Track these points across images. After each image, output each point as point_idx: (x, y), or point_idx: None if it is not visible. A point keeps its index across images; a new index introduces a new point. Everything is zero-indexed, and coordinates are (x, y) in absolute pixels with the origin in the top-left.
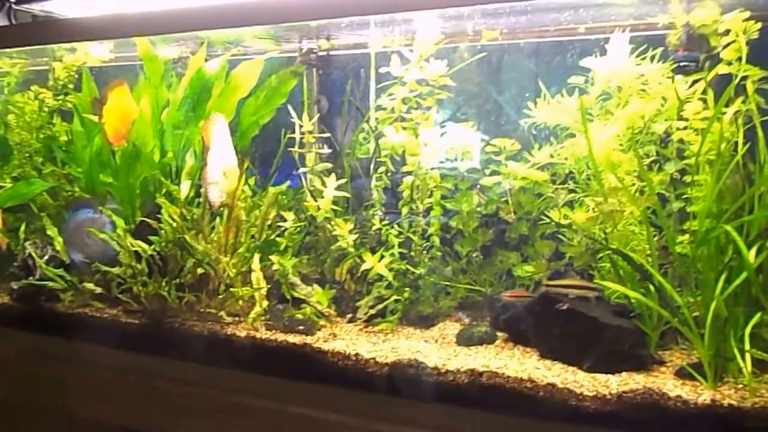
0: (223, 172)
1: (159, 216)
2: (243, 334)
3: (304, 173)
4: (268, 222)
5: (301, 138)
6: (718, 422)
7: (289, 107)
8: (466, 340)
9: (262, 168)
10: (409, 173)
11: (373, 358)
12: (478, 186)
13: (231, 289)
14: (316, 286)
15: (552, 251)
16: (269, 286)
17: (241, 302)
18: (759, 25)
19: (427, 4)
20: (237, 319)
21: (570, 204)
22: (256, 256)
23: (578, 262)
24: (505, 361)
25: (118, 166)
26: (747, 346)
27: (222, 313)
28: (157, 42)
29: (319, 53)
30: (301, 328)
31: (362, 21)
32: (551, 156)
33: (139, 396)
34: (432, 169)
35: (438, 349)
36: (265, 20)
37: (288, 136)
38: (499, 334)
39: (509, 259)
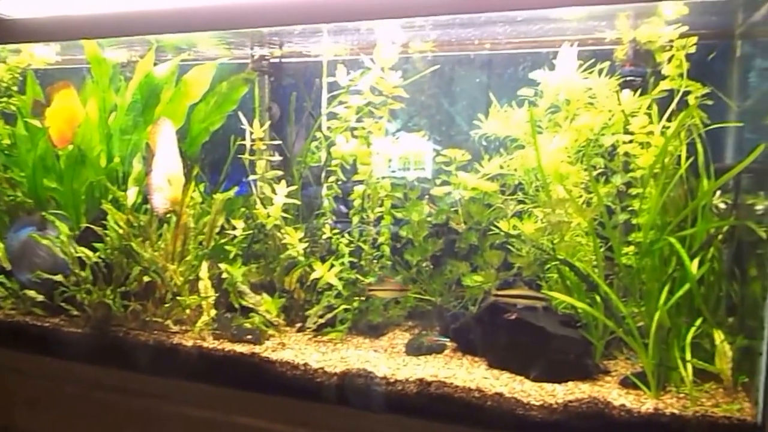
0: (168, 179)
1: (105, 222)
2: (190, 343)
3: (254, 181)
4: (217, 229)
5: (252, 145)
6: (660, 430)
7: (240, 114)
8: (415, 349)
9: (212, 175)
10: (360, 182)
11: (322, 368)
12: (428, 196)
13: (178, 298)
14: (265, 295)
15: (501, 261)
16: (217, 294)
17: (188, 311)
18: (695, 40)
19: (376, 14)
20: (184, 328)
21: (519, 215)
22: (204, 264)
23: (526, 273)
24: (453, 370)
25: (62, 171)
26: (688, 356)
27: (168, 321)
28: (105, 45)
29: (272, 60)
30: (249, 337)
31: (315, 29)
32: (501, 167)
33: (81, 407)
34: (383, 178)
35: (387, 359)
36: (216, 26)
37: (238, 143)
38: (449, 343)
39: (459, 268)
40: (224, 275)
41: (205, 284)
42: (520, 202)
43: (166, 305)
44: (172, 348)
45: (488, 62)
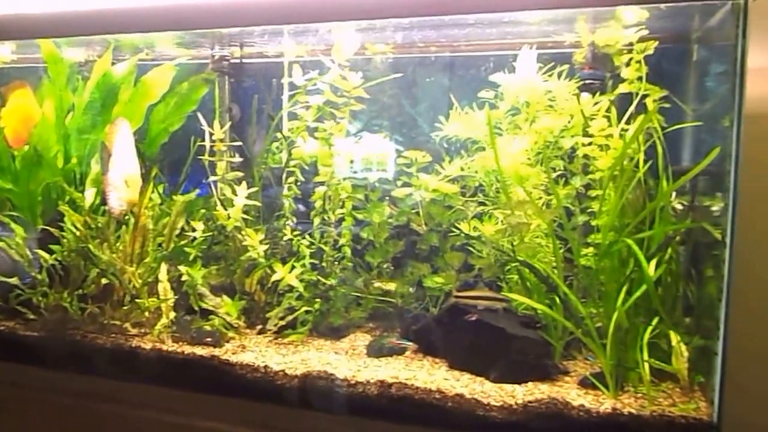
0: (125, 180)
1: (62, 224)
2: (148, 346)
3: (215, 182)
4: (177, 231)
5: (212, 146)
6: (618, 430)
7: (200, 115)
8: (376, 351)
9: (172, 176)
10: (321, 183)
11: (283, 371)
12: (389, 197)
13: (137, 300)
14: (225, 297)
15: (461, 263)
16: (177, 296)
17: (147, 313)
18: (654, 44)
19: (335, 16)
20: (143, 330)
21: (480, 216)
22: (164, 266)
23: (487, 274)
24: (414, 372)
25: (18, 172)
26: (646, 356)
27: (127, 324)
28: (62, 44)
29: (232, 61)
30: (209, 339)
31: (276, 30)
32: (462, 169)
33: (36, 412)
34: (344, 179)
35: (348, 361)
36: (175, 26)
37: (198, 143)
38: (410, 345)
39: (420, 270)
40: (184, 277)
41: (164, 286)
42: (481, 203)
43: (125, 308)
44: (131, 351)
45: (450, 64)
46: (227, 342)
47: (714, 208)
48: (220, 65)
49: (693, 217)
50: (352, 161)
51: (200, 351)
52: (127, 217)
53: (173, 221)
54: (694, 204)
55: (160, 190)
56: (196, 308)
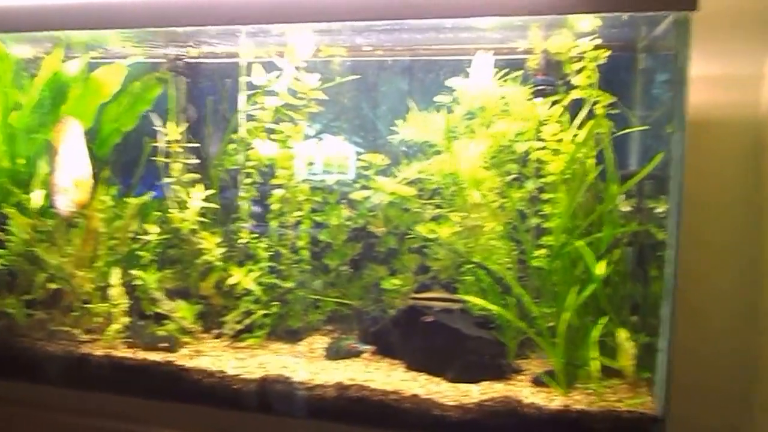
0: (73, 181)
1: (7, 227)
2: (100, 352)
3: (170, 184)
4: (130, 234)
5: (167, 147)
6: (569, 426)
7: (155, 115)
8: (334, 353)
9: (125, 177)
10: (279, 186)
11: (239, 375)
12: (347, 200)
13: (87, 306)
14: (180, 301)
15: (419, 265)
16: (130, 301)
17: (98, 319)
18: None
19: (291, 17)
20: (94, 336)
21: (437, 219)
22: (116, 271)
23: (443, 276)
24: (372, 373)
25: None
26: (595, 354)
27: (77, 330)
28: (8, 40)
29: (188, 60)
30: (163, 345)
31: (233, 30)
32: (419, 172)
33: None
34: (302, 182)
35: (306, 364)
36: (128, 24)
37: (152, 144)
38: (368, 347)
39: (377, 272)
40: (137, 282)
41: (116, 291)
42: (438, 206)
43: (75, 313)
44: (82, 358)
45: (408, 68)
46: (182, 347)
47: (659, 211)
48: (174, 65)
49: (640, 220)
50: (310, 163)
51: (155, 356)
52: (78, 220)
53: (126, 224)
54: (641, 207)
55: (113, 192)
56: (150, 313)
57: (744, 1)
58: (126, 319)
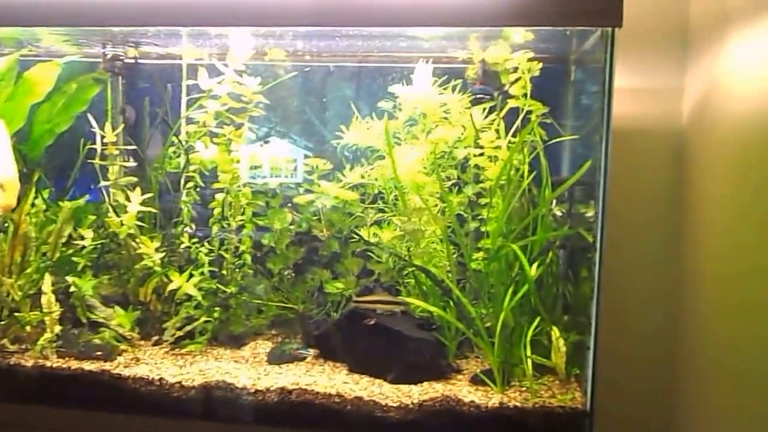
0: None
1: None
2: (30, 363)
3: (107, 187)
4: (63, 239)
5: (104, 149)
6: (505, 423)
7: (91, 116)
8: (277, 358)
9: (58, 180)
10: (220, 190)
11: (179, 382)
12: (291, 204)
13: (16, 314)
14: (117, 308)
15: (361, 268)
16: (63, 309)
17: (28, 328)
18: (537, 63)
19: (232, 21)
20: (24, 346)
21: (379, 223)
22: (48, 277)
23: (385, 279)
24: (315, 377)
25: None
26: (529, 353)
27: (5, 340)
28: None
29: (126, 60)
30: (99, 353)
31: (173, 31)
32: (362, 177)
33: None
34: (245, 185)
35: (248, 369)
36: (64, 21)
37: (88, 146)
38: (311, 351)
39: (321, 276)
40: (72, 288)
41: (48, 298)
42: (380, 210)
43: (2, 323)
44: (10, 369)
45: (351, 74)
46: (119, 355)
47: (589, 215)
48: (112, 65)
49: (570, 224)
50: (253, 167)
51: (89, 366)
52: (6, 224)
53: (59, 228)
54: (572, 211)
55: (45, 196)
56: (85, 320)
57: (666, 20)
58: (58, 328)
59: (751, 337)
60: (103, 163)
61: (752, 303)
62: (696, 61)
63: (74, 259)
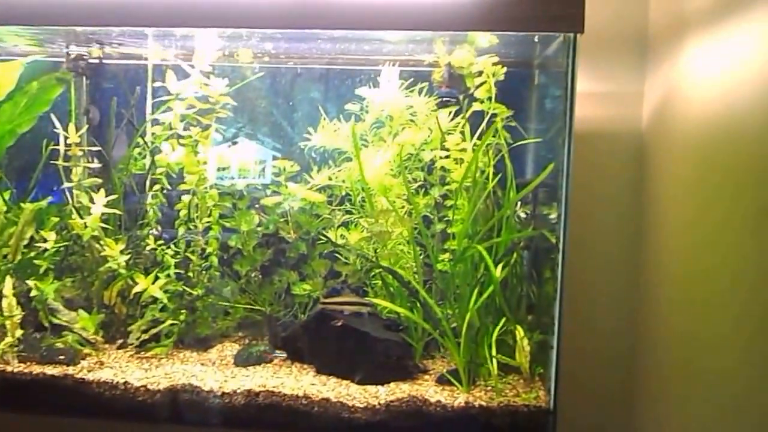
0: None
1: None
2: None
3: (70, 188)
4: (25, 242)
5: (67, 150)
6: (471, 422)
7: (54, 117)
8: (243, 360)
9: (20, 182)
10: (187, 192)
11: (144, 386)
12: (258, 206)
13: None
14: (81, 311)
15: (328, 270)
16: (25, 312)
17: None
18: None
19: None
20: None
21: (346, 225)
22: (8, 280)
23: (352, 280)
24: (282, 379)
25: None
26: (494, 352)
27: None
28: None
29: (90, 60)
30: (61, 358)
31: (138, 31)
32: (330, 178)
33: None
34: (211, 187)
35: (215, 372)
36: (27, 21)
37: (51, 147)
38: (281, 353)
39: (288, 278)
40: (33, 292)
41: (8, 302)
42: (347, 212)
43: None
44: None
45: (319, 77)
46: (83, 359)
47: (552, 216)
48: (76, 64)
49: (534, 225)
50: (220, 169)
51: (52, 370)
52: None
53: (21, 231)
54: (536, 213)
55: (6, 197)
56: (47, 324)
57: (626, 26)
58: (20, 332)
59: (709, 336)
60: (66, 164)
61: (710, 302)
62: (655, 66)
63: (36, 261)
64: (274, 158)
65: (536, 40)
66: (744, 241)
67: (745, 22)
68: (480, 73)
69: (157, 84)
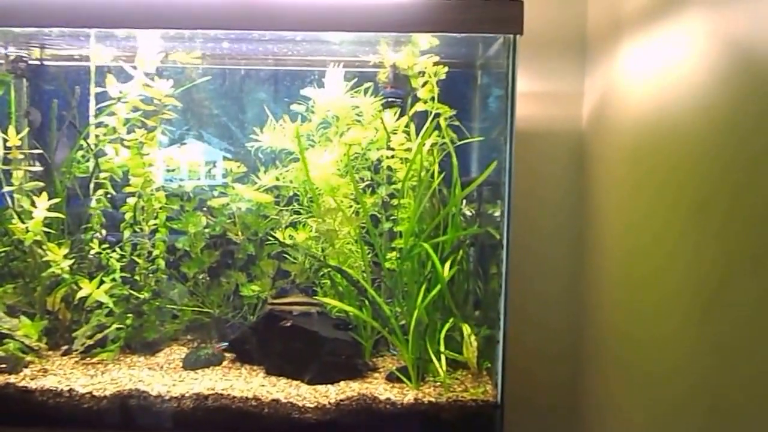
0: None
1: None
2: None
3: (10, 192)
4: None
5: (7, 153)
6: (420, 418)
7: None
8: (192, 363)
9: None
10: (132, 194)
11: (90, 393)
12: (206, 208)
13: None
14: (23, 317)
15: (276, 270)
16: None
17: None
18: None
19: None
20: None
21: (294, 225)
22: None
23: (301, 280)
24: (231, 381)
25: None
26: (442, 348)
27: None
28: None
29: (30, 62)
30: (3, 366)
31: (79, 32)
32: (277, 179)
33: None
34: (158, 189)
35: (163, 376)
36: None
37: None
38: (228, 354)
39: (236, 279)
40: None
41: None
42: (295, 212)
43: None
44: None
45: (265, 78)
46: (26, 367)
47: (497, 214)
48: (16, 66)
49: (479, 223)
50: (167, 170)
51: None
52: None
53: None
54: (480, 210)
55: None
56: None
57: (565, 27)
58: None
59: (648, 337)
60: (6, 167)
61: (649, 301)
62: (594, 66)
63: None
64: (225, 159)
65: (475, 40)
66: (683, 239)
67: (677, 22)
68: (422, 73)
69: (99, 89)
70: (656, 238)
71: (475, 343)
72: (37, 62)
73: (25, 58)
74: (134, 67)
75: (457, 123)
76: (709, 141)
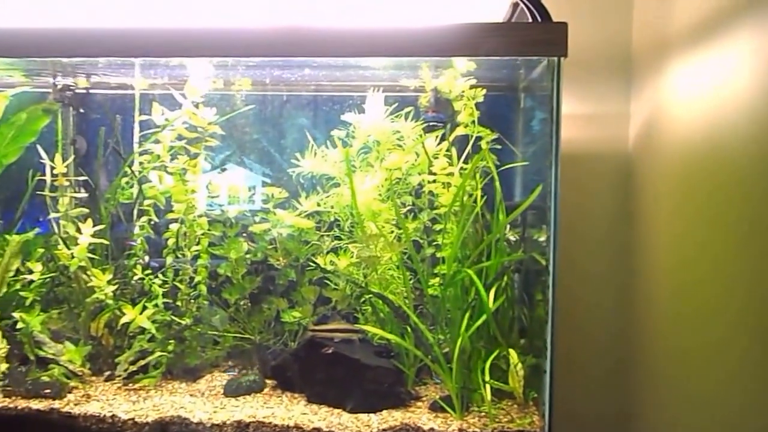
0: None
1: None
2: None
3: (56, 219)
4: (11, 274)
5: (54, 180)
6: None
7: (41, 147)
8: (233, 390)
9: (6, 213)
10: (175, 220)
11: (132, 419)
12: (247, 233)
13: None
14: (68, 343)
15: (317, 296)
16: (10, 346)
17: None
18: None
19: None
20: None
21: (335, 250)
22: None
23: (342, 306)
24: (272, 409)
25: None
26: (487, 378)
27: None
28: None
29: (77, 91)
30: (47, 391)
31: (125, 61)
32: (318, 204)
33: None
34: (200, 216)
35: (204, 403)
36: (13, 53)
37: (38, 178)
38: (269, 381)
39: (277, 305)
40: (19, 324)
41: None
42: (336, 238)
43: None
44: None
45: (306, 103)
46: (69, 392)
47: (541, 239)
48: (63, 95)
49: (524, 248)
50: (209, 197)
51: (37, 404)
52: None
53: (6, 263)
54: (525, 236)
55: None
56: (33, 357)
57: (610, 49)
58: (5, 366)
59: (701, 352)
60: (52, 194)
61: (700, 317)
62: (640, 87)
63: (22, 293)
64: (265, 185)
65: (518, 63)
66: (732, 258)
67: (727, 40)
68: (464, 98)
69: (144, 117)
70: (704, 255)
71: (521, 372)
72: (84, 91)
73: (71, 87)
74: (183, 95)
75: (499, 146)
76: (760, 158)
